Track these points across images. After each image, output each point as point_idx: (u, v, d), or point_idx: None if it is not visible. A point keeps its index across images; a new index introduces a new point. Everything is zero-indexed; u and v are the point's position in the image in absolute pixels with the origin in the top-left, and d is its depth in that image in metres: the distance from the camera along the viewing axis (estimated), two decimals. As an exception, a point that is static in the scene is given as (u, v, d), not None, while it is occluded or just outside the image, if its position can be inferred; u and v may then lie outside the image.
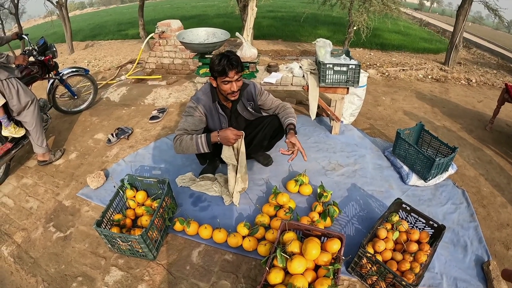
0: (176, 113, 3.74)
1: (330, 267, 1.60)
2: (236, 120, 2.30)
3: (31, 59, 3.17)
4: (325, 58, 2.69)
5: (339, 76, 2.69)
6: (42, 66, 3.23)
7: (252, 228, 2.03)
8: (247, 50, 2.69)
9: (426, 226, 2.02)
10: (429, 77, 5.47)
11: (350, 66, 2.62)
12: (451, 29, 11.30)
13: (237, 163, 2.18)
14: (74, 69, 3.65)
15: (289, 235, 1.75)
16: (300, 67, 2.97)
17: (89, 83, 3.96)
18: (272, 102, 2.32)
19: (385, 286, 1.73)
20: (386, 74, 5.42)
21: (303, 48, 8.08)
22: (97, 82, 4.06)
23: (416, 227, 2.09)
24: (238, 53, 2.69)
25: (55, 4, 7.67)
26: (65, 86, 3.58)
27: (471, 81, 5.35)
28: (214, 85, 2.10)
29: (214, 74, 2.01)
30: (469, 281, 1.85)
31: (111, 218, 2.04)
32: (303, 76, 2.91)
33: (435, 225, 1.95)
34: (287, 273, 1.61)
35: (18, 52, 9.86)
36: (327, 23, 10.87)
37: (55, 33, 11.72)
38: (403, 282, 1.59)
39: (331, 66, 2.63)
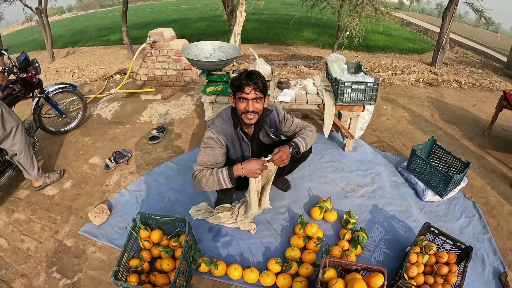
0: (177, 131, 3.52)
1: None
2: (257, 148, 2.14)
3: (12, 77, 2.86)
4: (342, 76, 2.58)
5: (356, 94, 2.59)
6: (24, 84, 2.93)
7: (286, 265, 1.90)
8: (261, 67, 2.54)
9: (453, 247, 2.03)
10: (421, 80, 5.53)
11: (369, 84, 2.53)
12: (432, 28, 11.63)
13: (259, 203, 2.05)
14: (60, 86, 3.35)
15: (330, 273, 1.68)
16: (314, 83, 2.84)
17: (76, 98, 3.66)
18: (296, 126, 2.17)
19: None
20: (381, 80, 5.41)
21: (291, 52, 8.02)
22: (85, 97, 3.77)
23: (443, 248, 2.10)
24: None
25: (35, 10, 7.17)
26: (51, 105, 3.29)
27: (461, 83, 5.46)
28: (233, 104, 1.93)
29: (232, 89, 1.87)
30: None
31: (126, 264, 1.83)
32: (317, 93, 2.80)
33: (462, 246, 1.97)
34: None
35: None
36: (312, 25, 10.88)
37: (34, 40, 11.10)
38: None
39: (349, 84, 2.53)
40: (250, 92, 1.79)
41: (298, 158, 2.20)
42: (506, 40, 10.78)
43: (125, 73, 5.13)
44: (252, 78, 1.78)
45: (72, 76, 5.90)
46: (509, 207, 2.58)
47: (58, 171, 2.83)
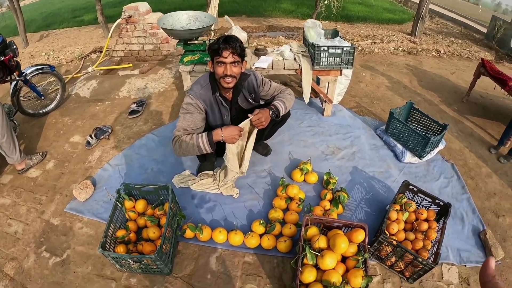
0: (156, 104, 3.46)
1: (359, 258, 1.60)
2: (236, 113, 2.13)
3: None
4: (319, 41, 2.55)
5: (333, 58, 2.58)
6: (2, 68, 2.79)
7: (269, 226, 1.93)
8: (236, 34, 2.48)
9: (432, 205, 2.08)
10: (400, 49, 5.53)
11: (345, 49, 2.51)
12: (412, -2, 11.49)
13: (240, 164, 2.06)
14: (38, 67, 3.21)
15: (313, 230, 1.71)
16: (291, 49, 2.80)
17: (55, 79, 3.53)
18: (274, 90, 2.16)
19: (404, 266, 1.78)
20: (360, 48, 5.39)
21: (269, 24, 7.85)
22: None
23: (422, 205, 2.15)
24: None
25: (5, -5, 6.74)
26: (29, 87, 3.15)
27: (440, 52, 5.47)
28: (211, 69, 1.91)
29: (210, 54, 1.84)
30: (470, 250, 1.97)
31: (113, 235, 1.83)
32: (294, 59, 2.76)
33: (441, 203, 2.01)
34: (317, 269, 1.58)
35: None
36: (290, -5, 10.59)
37: (6, 26, 10.46)
38: (423, 262, 1.65)
39: (325, 49, 2.51)
40: (228, 56, 1.78)
41: (277, 122, 2.20)
42: (486, 12, 10.76)
43: (101, 51, 4.94)
44: (230, 42, 1.76)
45: (48, 58, 5.65)
46: (487, 169, 2.65)
47: (40, 153, 2.76)
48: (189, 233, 1.90)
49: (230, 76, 1.84)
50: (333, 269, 1.55)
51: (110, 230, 1.79)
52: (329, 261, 1.53)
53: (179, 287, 1.73)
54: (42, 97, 3.36)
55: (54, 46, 6.80)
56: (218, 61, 1.80)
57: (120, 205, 1.94)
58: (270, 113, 1.96)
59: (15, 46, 2.89)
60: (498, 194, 2.43)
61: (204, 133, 1.87)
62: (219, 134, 1.87)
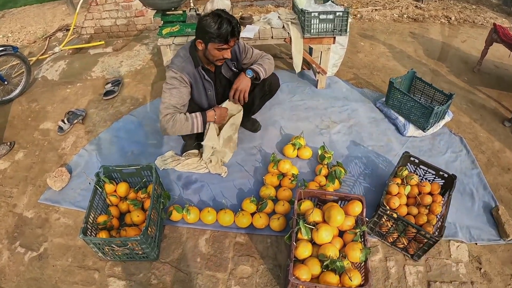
0: (134, 83, 3.51)
1: (357, 231, 1.66)
2: (221, 85, 2.23)
3: None
4: (308, 6, 2.62)
5: (325, 25, 2.64)
6: None
7: (261, 204, 2.01)
8: (219, 2, 2.56)
9: (436, 177, 2.13)
10: (405, 16, 5.56)
11: (338, 14, 2.57)
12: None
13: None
14: None
15: (307, 204, 1.78)
16: (279, 17, 2.88)
17: (19, 62, 3.56)
18: (256, 57, 2.27)
19: (407, 242, 1.84)
20: (359, 16, 5.44)
21: (255, -7, 7.85)
22: (27, 60, 3.67)
23: (426, 179, 2.20)
24: (209, 6, 2.56)
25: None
26: None
27: (451, 19, 5.49)
28: (201, 48, 1.98)
29: (209, 38, 1.89)
30: (481, 228, 2.03)
31: (94, 222, 1.90)
32: (283, 27, 2.84)
33: (445, 175, 2.06)
34: (313, 244, 1.65)
35: None
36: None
37: None
38: (427, 235, 1.70)
39: (316, 14, 2.56)
40: (233, 44, 1.92)
41: (265, 94, 2.32)
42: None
43: (68, 29, 4.94)
44: (235, 29, 1.87)
45: (7, 41, 5.62)
46: (500, 143, 2.69)
47: (8, 143, 2.80)
48: (175, 215, 1.98)
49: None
50: (329, 243, 1.62)
51: (90, 217, 1.85)
52: (324, 234, 1.60)
53: (167, 272, 1.82)
54: (5, 82, 3.39)
55: (12, 27, 6.73)
56: (221, 48, 1.90)
57: (100, 189, 2.01)
58: (245, 74, 2.11)
59: None
60: (513, 169, 2.48)
61: (198, 114, 2.03)
62: (212, 116, 2.04)
